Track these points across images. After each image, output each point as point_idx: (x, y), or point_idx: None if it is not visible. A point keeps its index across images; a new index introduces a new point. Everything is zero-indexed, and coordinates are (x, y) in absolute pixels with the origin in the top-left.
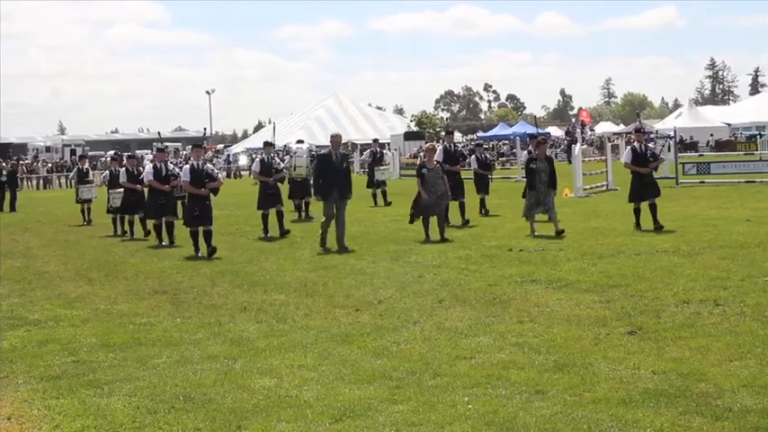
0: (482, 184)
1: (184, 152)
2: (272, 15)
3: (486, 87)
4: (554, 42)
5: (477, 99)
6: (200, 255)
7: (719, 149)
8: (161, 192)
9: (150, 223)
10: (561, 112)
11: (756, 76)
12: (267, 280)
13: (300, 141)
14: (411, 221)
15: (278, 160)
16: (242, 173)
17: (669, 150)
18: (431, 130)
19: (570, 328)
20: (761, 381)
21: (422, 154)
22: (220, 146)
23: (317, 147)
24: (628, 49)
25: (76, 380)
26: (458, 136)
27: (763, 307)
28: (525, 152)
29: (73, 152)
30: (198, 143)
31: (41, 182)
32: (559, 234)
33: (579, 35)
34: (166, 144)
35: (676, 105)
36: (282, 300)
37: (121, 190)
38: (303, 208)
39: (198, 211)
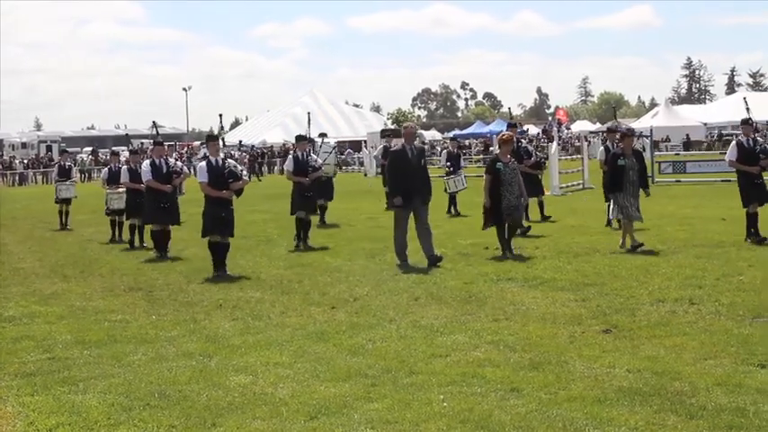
0: (529, 184)
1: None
2: (248, 14)
3: (464, 85)
4: (530, 41)
5: (454, 97)
6: (228, 273)
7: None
8: (163, 193)
9: (148, 231)
10: (538, 111)
11: (732, 75)
12: (243, 277)
13: (323, 135)
14: (484, 228)
15: (314, 157)
16: None
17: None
18: None
19: (545, 326)
20: (735, 379)
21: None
22: (197, 143)
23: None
24: (604, 48)
25: (51, 377)
26: (436, 134)
27: (738, 306)
28: (602, 147)
29: (49, 148)
30: (213, 136)
31: (17, 178)
32: (623, 247)
33: (555, 35)
34: (142, 141)
35: (653, 104)
36: (258, 297)
37: (122, 190)
38: (323, 211)
39: (226, 217)
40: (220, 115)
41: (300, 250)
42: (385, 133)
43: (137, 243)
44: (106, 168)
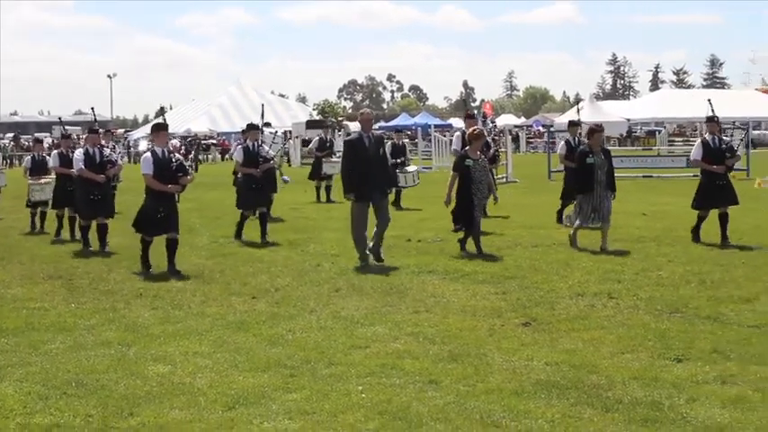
0: None
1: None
2: (173, 2)
3: (390, 77)
4: (456, 35)
5: (380, 89)
6: (178, 270)
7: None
8: (94, 184)
9: (77, 223)
10: (464, 104)
11: (656, 72)
12: (164, 266)
13: (267, 125)
14: (459, 230)
15: (266, 148)
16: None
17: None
18: (333, 119)
19: (465, 318)
20: (651, 373)
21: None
22: (121, 130)
23: (283, 132)
24: (529, 43)
25: None
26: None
27: (656, 300)
28: (563, 142)
29: None
30: (162, 125)
31: None
32: (604, 250)
33: (480, 29)
34: (68, 128)
35: (577, 100)
36: (179, 286)
37: (46, 180)
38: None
39: (163, 213)
40: (162, 107)
41: (247, 245)
42: (311, 124)
43: (77, 235)
44: (29, 157)
